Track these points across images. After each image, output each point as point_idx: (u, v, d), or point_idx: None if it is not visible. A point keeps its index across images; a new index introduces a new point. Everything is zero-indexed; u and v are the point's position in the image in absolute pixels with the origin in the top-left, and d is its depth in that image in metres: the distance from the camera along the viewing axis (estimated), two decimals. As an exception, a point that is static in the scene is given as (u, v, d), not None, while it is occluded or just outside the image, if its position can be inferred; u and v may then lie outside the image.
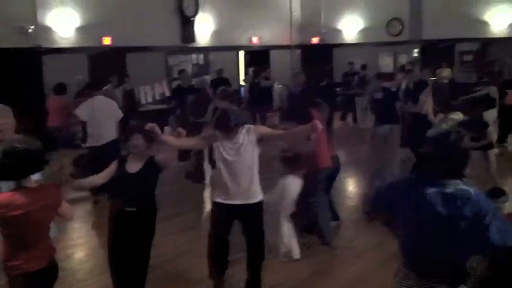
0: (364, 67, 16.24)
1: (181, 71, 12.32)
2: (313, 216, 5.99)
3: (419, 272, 2.82)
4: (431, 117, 8.27)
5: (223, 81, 12.44)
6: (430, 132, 2.96)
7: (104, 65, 12.36)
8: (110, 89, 10.94)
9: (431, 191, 2.74)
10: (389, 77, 12.62)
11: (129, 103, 12.04)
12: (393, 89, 9.60)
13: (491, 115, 9.87)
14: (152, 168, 4.41)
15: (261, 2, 17.42)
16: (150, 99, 13.81)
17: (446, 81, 15.40)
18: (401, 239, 2.94)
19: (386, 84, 9.63)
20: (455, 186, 2.74)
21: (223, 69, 14.37)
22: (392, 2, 17.60)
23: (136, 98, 13.17)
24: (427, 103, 8.59)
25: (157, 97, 13.93)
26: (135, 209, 4.32)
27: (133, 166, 4.38)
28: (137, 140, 4.35)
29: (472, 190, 2.74)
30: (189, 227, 6.68)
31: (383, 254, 5.58)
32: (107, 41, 13.38)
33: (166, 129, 13.50)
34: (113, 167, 4.41)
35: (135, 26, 13.49)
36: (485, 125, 7.12)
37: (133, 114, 11.60)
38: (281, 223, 5.56)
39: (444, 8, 16.44)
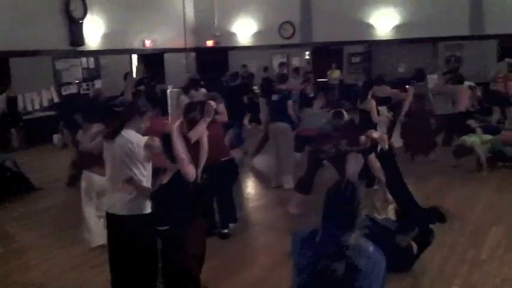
0: (266, 69, 16.49)
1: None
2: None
3: None
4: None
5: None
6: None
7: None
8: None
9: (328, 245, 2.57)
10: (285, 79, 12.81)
11: (12, 111, 11.36)
12: (285, 92, 9.79)
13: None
14: None
15: (153, 4, 17.14)
16: (37, 106, 13.11)
17: (336, 82, 16.09)
18: None
19: (282, 86, 9.83)
20: (355, 239, 2.58)
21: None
22: (284, 6, 17.99)
23: (21, 105, 12.46)
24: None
25: (46, 104, 13.27)
26: None
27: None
28: None
29: (371, 246, 2.59)
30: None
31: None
32: (-13, 45, 12.51)
33: (55, 136, 12.90)
34: None
35: (19, 28, 12.72)
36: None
37: (15, 123, 10.99)
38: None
39: (332, 11, 17.04)
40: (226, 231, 6.48)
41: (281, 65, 16.27)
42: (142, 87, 11.04)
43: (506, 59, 12.84)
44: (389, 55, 16.87)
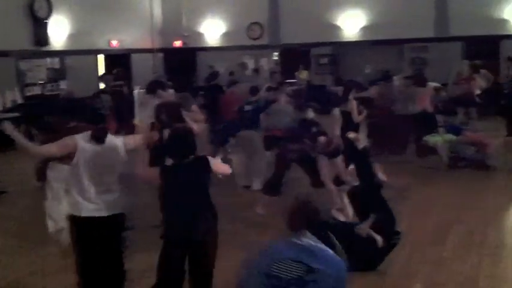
0: (231, 73, 16.40)
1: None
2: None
3: None
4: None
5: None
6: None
7: None
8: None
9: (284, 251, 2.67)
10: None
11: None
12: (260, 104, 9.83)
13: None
14: None
15: (120, 4, 16.95)
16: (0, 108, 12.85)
17: (304, 83, 16.15)
18: None
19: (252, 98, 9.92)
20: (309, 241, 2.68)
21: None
22: (252, 7, 17.99)
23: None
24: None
25: (9, 105, 13.00)
26: None
27: None
28: None
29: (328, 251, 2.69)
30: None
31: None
32: None
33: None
34: None
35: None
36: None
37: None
38: None
39: (301, 13, 17.14)
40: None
41: (241, 65, 16.14)
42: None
43: (465, 61, 13.09)
44: (356, 56, 17.04)
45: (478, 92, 12.17)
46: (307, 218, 2.80)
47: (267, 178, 7.69)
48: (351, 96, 9.00)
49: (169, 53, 18.87)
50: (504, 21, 15.45)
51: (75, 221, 4.26)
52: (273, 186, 7.36)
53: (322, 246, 2.68)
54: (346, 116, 8.75)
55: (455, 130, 9.91)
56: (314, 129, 7.10)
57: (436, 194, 7.97)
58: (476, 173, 9.14)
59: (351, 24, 17.17)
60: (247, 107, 9.21)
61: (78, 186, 4.20)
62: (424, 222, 6.62)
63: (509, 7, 15.34)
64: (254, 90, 9.71)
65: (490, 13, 15.45)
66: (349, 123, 8.45)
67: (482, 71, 12.91)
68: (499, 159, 9.64)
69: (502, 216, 7.07)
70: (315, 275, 2.55)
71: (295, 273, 2.57)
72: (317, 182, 7.18)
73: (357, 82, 10.44)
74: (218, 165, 4.44)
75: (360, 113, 9.05)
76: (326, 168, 7.02)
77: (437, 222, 6.71)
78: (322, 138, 6.83)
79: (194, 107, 7.11)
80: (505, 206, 7.52)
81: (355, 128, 8.15)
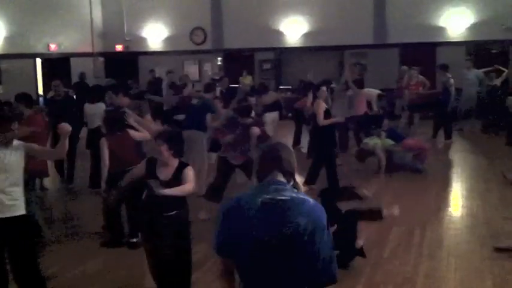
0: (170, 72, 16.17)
1: None
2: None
3: None
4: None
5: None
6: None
7: None
8: None
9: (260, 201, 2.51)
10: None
11: None
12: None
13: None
14: None
15: (58, 7, 16.54)
16: None
17: (248, 88, 16.17)
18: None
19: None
20: (290, 193, 2.55)
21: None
22: (195, 12, 17.94)
23: None
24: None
25: None
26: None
27: None
28: None
29: (309, 199, 2.56)
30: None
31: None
32: None
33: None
34: None
35: None
36: None
37: None
38: None
39: (244, 18, 17.23)
40: (135, 240, 6.32)
41: (169, 73, 15.80)
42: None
43: (403, 67, 13.46)
44: (299, 62, 17.25)
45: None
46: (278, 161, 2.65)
47: (210, 183, 7.63)
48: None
49: (110, 57, 18.53)
50: (440, 29, 16.02)
51: None
52: (214, 193, 7.29)
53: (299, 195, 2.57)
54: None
55: (396, 136, 10.07)
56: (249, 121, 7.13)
57: (376, 197, 8.09)
58: (413, 176, 9.39)
59: (294, 30, 17.37)
60: (194, 101, 9.25)
61: None
62: (364, 224, 6.66)
63: (445, 15, 15.92)
64: (208, 88, 9.68)
65: (427, 21, 15.99)
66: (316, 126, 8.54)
67: (420, 77, 13.34)
68: (434, 163, 10.00)
69: (439, 217, 7.28)
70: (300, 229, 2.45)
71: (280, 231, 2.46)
72: None
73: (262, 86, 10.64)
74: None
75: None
76: None
77: (377, 224, 6.77)
78: (255, 129, 6.86)
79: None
80: (442, 207, 7.76)
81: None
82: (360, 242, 5.53)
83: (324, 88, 8.74)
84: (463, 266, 5.63)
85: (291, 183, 2.63)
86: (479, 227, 6.77)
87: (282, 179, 2.60)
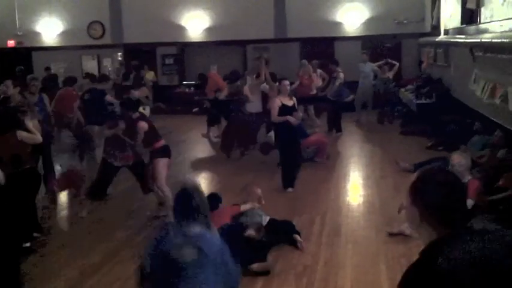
0: (47, 69, 15.48)
1: None
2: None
3: None
4: None
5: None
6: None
7: None
8: None
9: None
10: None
11: None
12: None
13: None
14: None
15: None
16: None
17: (151, 83, 15.90)
18: None
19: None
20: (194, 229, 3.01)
21: None
22: (92, 6, 17.37)
23: None
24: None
25: None
26: None
27: None
28: None
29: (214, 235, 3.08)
30: None
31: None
32: None
33: None
34: None
35: None
36: None
37: None
38: None
39: (143, 12, 16.88)
40: (28, 244, 6.02)
41: (46, 69, 15.22)
42: None
43: (303, 61, 13.79)
44: (202, 56, 17.16)
45: (314, 91, 12.87)
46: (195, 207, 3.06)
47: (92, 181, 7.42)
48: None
49: (1, 53, 17.46)
50: (337, 24, 16.55)
51: None
52: (96, 191, 7.13)
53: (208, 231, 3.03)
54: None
55: (301, 132, 10.19)
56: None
57: (280, 188, 8.22)
58: (313, 167, 9.61)
59: (196, 24, 17.25)
60: (87, 96, 9.24)
61: None
62: (269, 212, 6.70)
63: (342, 10, 16.46)
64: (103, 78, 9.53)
65: (325, 16, 16.45)
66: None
67: (319, 70, 13.69)
68: (333, 155, 10.32)
69: (338, 205, 7.51)
70: (204, 255, 2.90)
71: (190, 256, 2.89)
72: (147, 187, 7.11)
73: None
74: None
75: None
76: (163, 170, 6.89)
77: (280, 213, 6.82)
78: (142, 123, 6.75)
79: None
80: (340, 196, 8.02)
81: None
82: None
83: (287, 82, 8.21)
84: (360, 251, 5.85)
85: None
86: (375, 214, 7.06)
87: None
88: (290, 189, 8.14)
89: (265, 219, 6.13)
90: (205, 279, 2.87)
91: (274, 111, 7.95)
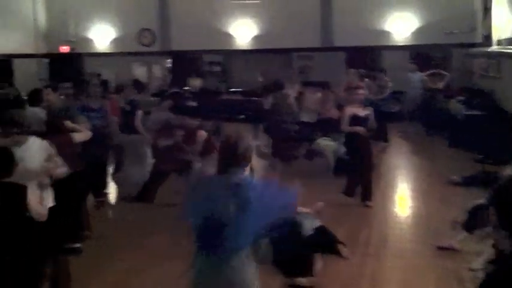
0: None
1: None
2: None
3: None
4: None
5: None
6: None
7: None
8: None
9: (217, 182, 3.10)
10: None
11: None
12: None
13: None
14: None
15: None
16: None
17: (197, 90, 16.06)
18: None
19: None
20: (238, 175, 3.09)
21: None
22: (143, 13, 17.71)
23: None
24: None
25: None
26: None
27: None
28: None
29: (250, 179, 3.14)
30: None
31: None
32: None
33: None
34: None
35: None
36: None
37: None
38: None
39: (191, 19, 17.11)
40: (78, 245, 6.16)
41: (97, 76, 15.44)
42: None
43: (349, 69, 13.67)
44: (248, 64, 17.28)
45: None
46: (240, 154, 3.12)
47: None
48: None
49: (55, 59, 18.04)
50: (385, 33, 16.37)
51: None
52: (147, 194, 7.26)
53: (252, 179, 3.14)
54: None
55: None
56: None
57: (320, 195, 8.12)
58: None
59: (242, 32, 17.38)
60: (127, 107, 9.10)
61: None
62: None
63: (390, 19, 16.27)
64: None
65: (373, 25, 16.31)
66: None
67: (366, 79, 13.57)
68: (380, 166, 10.19)
69: (386, 216, 7.41)
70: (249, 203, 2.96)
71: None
72: None
73: None
74: None
75: None
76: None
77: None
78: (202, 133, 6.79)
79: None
80: (388, 206, 7.91)
81: None
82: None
83: (361, 91, 7.91)
84: (407, 264, 5.75)
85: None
86: (422, 226, 6.94)
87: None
88: (368, 203, 7.76)
89: (316, 224, 6.07)
90: (248, 224, 2.95)
91: (345, 120, 7.72)
